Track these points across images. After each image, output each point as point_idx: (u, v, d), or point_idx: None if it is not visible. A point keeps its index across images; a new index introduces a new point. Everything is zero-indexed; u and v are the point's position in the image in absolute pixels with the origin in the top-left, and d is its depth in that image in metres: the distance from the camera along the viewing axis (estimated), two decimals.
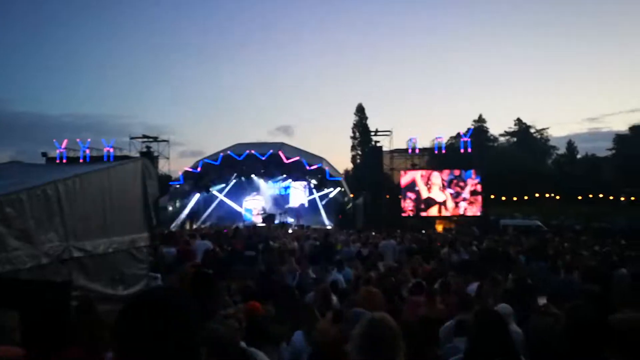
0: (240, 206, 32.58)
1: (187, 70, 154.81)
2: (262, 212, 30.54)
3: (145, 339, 1.27)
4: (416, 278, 8.27)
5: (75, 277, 6.35)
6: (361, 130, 65.45)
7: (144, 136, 35.14)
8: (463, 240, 16.10)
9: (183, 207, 30.67)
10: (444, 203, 30.17)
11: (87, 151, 32.63)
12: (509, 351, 3.30)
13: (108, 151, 32.62)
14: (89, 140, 33.48)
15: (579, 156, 74.01)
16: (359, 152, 64.75)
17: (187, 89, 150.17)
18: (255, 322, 4.38)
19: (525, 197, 53.83)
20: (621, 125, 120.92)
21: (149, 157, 28.76)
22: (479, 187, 30.03)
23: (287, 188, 32.90)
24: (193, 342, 1.35)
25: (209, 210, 31.91)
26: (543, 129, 76.02)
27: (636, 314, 2.12)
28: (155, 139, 35.30)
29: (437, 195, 30.22)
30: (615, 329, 1.99)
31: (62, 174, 6.66)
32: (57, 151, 32.40)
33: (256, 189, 32.78)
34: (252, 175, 32.04)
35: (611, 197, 53.59)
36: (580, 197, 53.50)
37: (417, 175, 30.89)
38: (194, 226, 29.37)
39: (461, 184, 30.06)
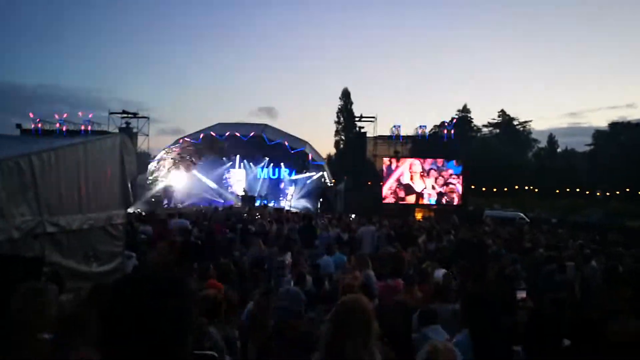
0: (221, 185, 32.33)
1: (169, 46, 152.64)
2: (242, 193, 30.34)
3: (139, 319, 1.20)
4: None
5: (48, 253, 6.22)
6: (345, 116, 65.31)
7: (124, 112, 34.58)
8: (440, 229, 16.21)
9: (161, 185, 30.34)
10: (423, 191, 30.33)
11: (64, 125, 32.07)
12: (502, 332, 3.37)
13: (85, 125, 32.10)
14: (65, 114, 32.99)
15: (559, 150, 74.98)
16: (343, 137, 64.67)
17: (168, 66, 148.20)
18: None
19: (505, 189, 54.43)
20: (601, 121, 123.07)
21: (128, 134, 28.33)
22: (459, 177, 30.23)
23: (276, 170, 32.44)
24: (187, 321, 1.30)
25: (188, 189, 31.62)
26: (526, 122, 76.58)
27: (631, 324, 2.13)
28: (135, 115, 34.75)
29: (418, 183, 30.35)
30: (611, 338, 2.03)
31: (36, 147, 6.49)
32: (32, 124, 31.79)
33: (238, 169, 32.54)
34: (233, 156, 31.81)
35: (587, 192, 54.49)
36: (558, 191, 54.30)
37: (399, 162, 30.99)
38: (172, 205, 29.12)
39: (442, 173, 30.23)
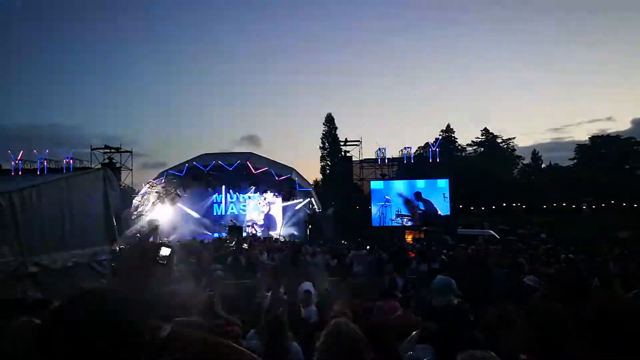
0: (208, 217, 32.01)
1: (147, 78, 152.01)
2: (230, 223, 30.04)
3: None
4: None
5: (31, 294, 6.01)
6: (330, 141, 65.58)
7: (106, 147, 34.25)
8: (432, 250, 16.16)
9: (146, 219, 29.92)
10: (411, 213, 30.27)
11: (45, 163, 31.57)
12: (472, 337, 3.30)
13: (67, 162, 31.65)
14: (46, 151, 32.42)
15: (543, 165, 75.92)
16: (329, 163, 64.81)
17: (147, 98, 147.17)
18: None
19: (493, 207, 54.74)
20: (582, 136, 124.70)
21: (111, 169, 28.03)
22: (446, 197, 30.21)
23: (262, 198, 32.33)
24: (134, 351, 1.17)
25: (174, 223, 31.20)
26: (509, 139, 77.51)
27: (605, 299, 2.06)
28: (118, 150, 34.43)
29: (405, 205, 30.31)
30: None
31: (17, 185, 6.33)
32: (12, 163, 31.28)
33: (224, 200, 32.32)
34: (219, 186, 31.59)
35: (574, 206, 55.01)
36: (545, 206, 54.76)
37: (386, 185, 31.01)
38: (158, 240, 28.59)
39: (428, 194, 30.20)
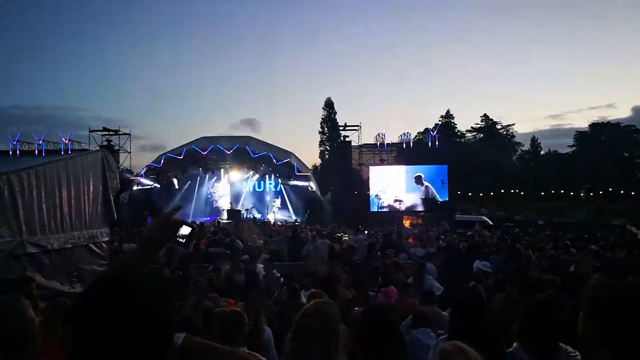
0: (206, 200, 32.09)
1: (146, 60, 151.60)
2: (228, 207, 30.09)
3: (109, 328, 1.04)
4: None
5: (30, 274, 6.04)
6: (329, 126, 65.38)
7: (104, 129, 34.12)
8: (429, 235, 16.21)
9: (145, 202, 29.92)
10: (410, 198, 30.31)
11: (43, 144, 31.43)
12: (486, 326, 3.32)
13: (66, 145, 31.56)
14: (44, 132, 32.37)
15: (542, 152, 75.81)
16: (328, 147, 64.69)
17: (146, 81, 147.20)
18: None
19: (491, 193, 54.77)
20: (582, 122, 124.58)
21: (110, 151, 27.91)
22: (445, 183, 30.21)
23: (261, 183, 32.43)
24: (166, 328, 1.14)
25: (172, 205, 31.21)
26: (509, 125, 77.41)
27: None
28: (116, 132, 34.32)
29: (404, 190, 30.34)
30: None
31: (15, 166, 6.32)
32: (11, 144, 31.19)
33: (223, 183, 32.35)
34: (217, 170, 31.59)
35: (572, 193, 55.04)
36: (543, 193, 54.81)
37: (385, 170, 31.00)
38: None
39: (427, 179, 30.21)
